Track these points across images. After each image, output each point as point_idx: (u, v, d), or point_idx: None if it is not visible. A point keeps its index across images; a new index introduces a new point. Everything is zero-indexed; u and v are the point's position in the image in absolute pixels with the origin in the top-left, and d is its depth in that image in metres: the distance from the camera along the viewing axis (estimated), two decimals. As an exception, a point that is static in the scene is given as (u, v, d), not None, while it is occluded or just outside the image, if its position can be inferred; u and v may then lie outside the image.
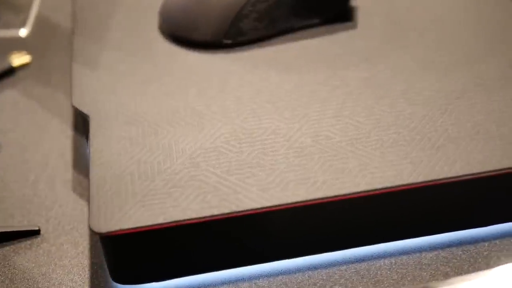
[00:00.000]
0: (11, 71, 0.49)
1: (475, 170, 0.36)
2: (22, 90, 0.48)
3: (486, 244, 0.38)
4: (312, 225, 0.36)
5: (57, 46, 0.51)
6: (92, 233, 0.35)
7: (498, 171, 0.36)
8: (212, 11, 0.43)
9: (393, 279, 0.36)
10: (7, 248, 0.39)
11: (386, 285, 0.36)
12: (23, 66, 0.50)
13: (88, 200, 0.37)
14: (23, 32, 0.52)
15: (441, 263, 0.37)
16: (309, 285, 0.36)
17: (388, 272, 0.37)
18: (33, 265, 0.38)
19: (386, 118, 0.39)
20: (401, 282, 0.36)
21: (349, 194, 0.35)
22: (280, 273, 0.37)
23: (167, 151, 0.38)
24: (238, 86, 0.41)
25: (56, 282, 0.37)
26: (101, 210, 0.35)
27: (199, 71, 0.42)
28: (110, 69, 0.43)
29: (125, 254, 0.35)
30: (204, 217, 0.35)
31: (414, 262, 0.37)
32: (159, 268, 0.36)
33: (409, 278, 0.36)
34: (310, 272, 0.37)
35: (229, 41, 0.44)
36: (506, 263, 0.37)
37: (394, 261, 0.37)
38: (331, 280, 0.36)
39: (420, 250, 0.38)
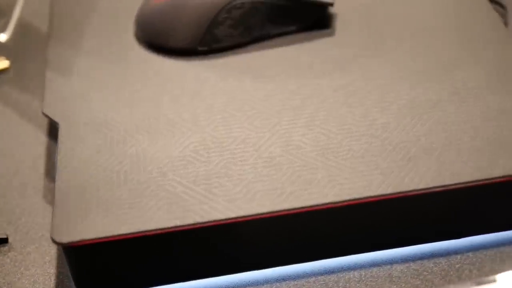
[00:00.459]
0: (-11, 76, 0.49)
1: (445, 182, 0.35)
2: (-2, 95, 0.48)
3: (459, 256, 0.37)
4: (279, 236, 0.35)
5: (36, 51, 0.51)
6: (54, 243, 0.34)
7: (469, 183, 0.35)
8: (187, 18, 0.43)
9: (361, 292, 0.36)
10: (-26, 256, 0.39)
11: (354, 298, 0.36)
12: (1, 71, 0.49)
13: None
14: (2, 37, 0.52)
15: (412, 275, 0.36)
16: (276, 298, 0.36)
17: (358, 284, 0.36)
18: (-1, 274, 0.38)
19: (358, 127, 0.38)
20: (369, 295, 0.36)
21: (315, 206, 0.35)
22: (248, 284, 0.36)
23: (135, 160, 0.37)
24: (210, 94, 0.41)
25: (21, 292, 0.37)
26: (64, 219, 0.35)
27: (173, 78, 0.42)
28: (83, 76, 0.43)
29: (88, 264, 0.35)
30: (167, 228, 0.34)
31: (384, 275, 0.37)
32: (122, 278, 0.35)
33: (377, 291, 0.36)
34: (278, 283, 0.36)
35: (204, 48, 0.43)
36: (478, 276, 0.36)
37: (364, 273, 0.37)
38: (298, 292, 0.36)
39: (391, 262, 0.37)
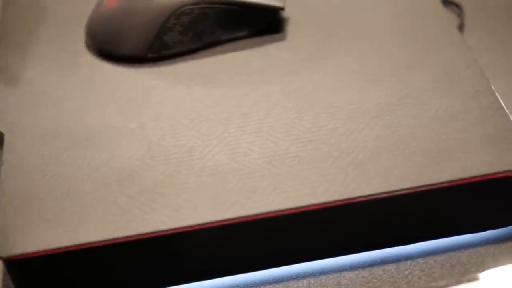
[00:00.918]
0: None
1: (391, 188, 0.35)
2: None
3: (408, 263, 0.37)
4: (223, 245, 0.35)
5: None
6: (-5, 256, 0.34)
7: (415, 189, 0.35)
8: (136, 25, 0.42)
9: (308, 300, 0.36)
10: None
11: (300, 307, 0.35)
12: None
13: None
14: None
15: (361, 283, 0.36)
16: (222, 308, 0.35)
17: (306, 292, 0.36)
18: None
19: (306, 133, 0.38)
20: (316, 304, 0.35)
21: (259, 214, 0.34)
22: (194, 294, 0.36)
23: (80, 170, 0.37)
24: (159, 101, 0.40)
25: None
26: (5, 232, 0.34)
27: (122, 86, 0.41)
28: (31, 85, 0.42)
29: (31, 278, 0.34)
30: (109, 240, 0.34)
31: (333, 282, 0.36)
32: (66, 291, 0.35)
33: (325, 299, 0.36)
34: (225, 293, 0.36)
35: (154, 55, 0.43)
36: (427, 282, 0.36)
37: (312, 282, 0.36)
38: (245, 302, 0.36)
39: (340, 270, 0.37)
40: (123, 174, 0.36)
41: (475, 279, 0.36)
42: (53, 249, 0.34)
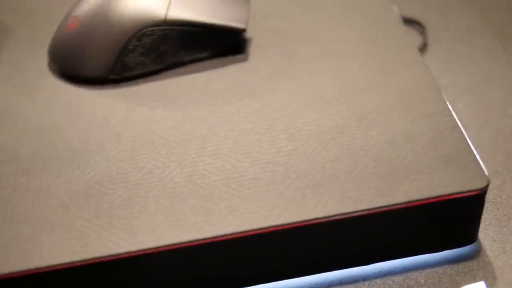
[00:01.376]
0: None
1: (347, 210, 0.35)
2: None
3: (366, 283, 0.37)
4: (182, 268, 0.35)
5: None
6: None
7: (370, 210, 0.35)
8: (97, 47, 0.42)
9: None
10: None
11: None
12: None
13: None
14: None
15: (319, 303, 0.36)
16: (179, 330, 0.35)
17: (263, 314, 0.36)
18: None
19: (265, 155, 0.38)
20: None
21: (216, 237, 0.34)
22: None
23: (38, 193, 0.37)
24: (119, 123, 0.40)
25: None
26: (-39, 257, 0.34)
27: (82, 108, 0.42)
28: (-7, 106, 0.42)
29: (-13, 303, 0.34)
30: (64, 264, 0.34)
31: (291, 303, 0.36)
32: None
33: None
34: (183, 315, 0.36)
35: (115, 77, 0.43)
36: (385, 302, 0.36)
37: (271, 303, 0.37)
38: (202, 324, 0.36)
39: (299, 290, 0.37)
40: (81, 197, 0.36)
41: (431, 299, 0.36)
42: (6, 274, 0.33)
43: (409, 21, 0.52)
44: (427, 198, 0.35)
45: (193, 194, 0.36)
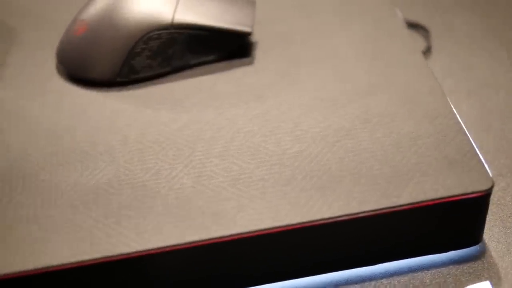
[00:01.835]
0: None
1: (352, 211, 0.35)
2: None
3: (373, 283, 0.37)
4: (189, 268, 0.36)
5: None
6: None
7: (375, 212, 0.35)
8: (105, 51, 0.43)
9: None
10: None
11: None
12: None
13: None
14: None
15: (325, 303, 0.37)
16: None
17: (270, 314, 0.36)
18: None
19: (271, 157, 0.38)
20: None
21: (223, 237, 0.35)
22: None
23: (47, 194, 0.37)
24: (126, 125, 0.41)
25: None
26: (-29, 256, 0.34)
27: (90, 109, 0.42)
28: (1, 108, 0.42)
29: (-3, 302, 0.35)
30: (74, 263, 0.34)
31: (297, 303, 0.37)
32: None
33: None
34: (190, 315, 0.36)
35: (122, 79, 0.43)
36: (390, 303, 0.37)
37: (277, 303, 0.37)
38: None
39: (305, 290, 0.37)
40: (90, 198, 0.37)
41: (436, 299, 0.37)
42: (17, 273, 0.34)
43: (412, 25, 0.52)
44: (432, 200, 0.36)
45: (200, 195, 0.37)
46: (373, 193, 0.36)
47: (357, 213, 0.35)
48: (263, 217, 0.35)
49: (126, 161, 0.39)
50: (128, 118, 0.41)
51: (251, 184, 0.37)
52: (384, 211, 0.35)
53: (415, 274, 0.38)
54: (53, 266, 0.34)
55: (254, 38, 0.46)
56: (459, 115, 0.45)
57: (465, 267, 0.38)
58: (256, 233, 0.35)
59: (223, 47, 0.45)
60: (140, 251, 0.34)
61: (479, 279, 0.37)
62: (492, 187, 0.36)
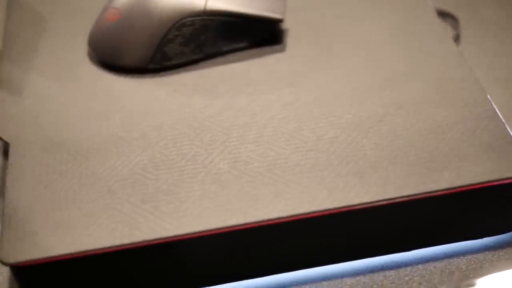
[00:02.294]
0: None
1: (390, 196, 0.35)
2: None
3: (408, 269, 0.38)
4: (226, 252, 0.36)
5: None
6: (2, 263, 0.34)
7: (413, 196, 0.35)
8: (137, 37, 0.43)
9: (309, 306, 0.36)
10: None
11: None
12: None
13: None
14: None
15: (362, 288, 0.37)
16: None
17: (307, 298, 0.36)
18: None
19: (306, 143, 0.38)
20: (317, 309, 0.36)
21: (261, 222, 0.35)
22: (197, 301, 0.37)
23: (84, 179, 0.37)
24: (160, 111, 0.41)
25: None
26: (11, 239, 0.35)
27: (124, 96, 0.42)
28: (35, 95, 0.43)
29: (37, 284, 0.35)
30: (114, 247, 0.34)
31: (336, 287, 0.37)
32: (71, 298, 0.35)
33: (325, 305, 0.36)
34: (227, 300, 0.37)
35: (155, 66, 0.43)
36: (426, 288, 0.37)
37: (314, 287, 0.37)
38: (247, 308, 0.36)
39: (341, 276, 0.37)
40: (127, 183, 0.37)
41: (474, 285, 0.37)
42: (59, 256, 0.34)
43: (441, 14, 0.52)
44: (469, 185, 0.36)
45: (237, 180, 0.37)
46: (410, 179, 0.36)
47: (395, 198, 0.35)
48: (300, 202, 0.35)
49: (162, 147, 0.39)
50: (162, 105, 0.41)
51: (287, 169, 0.37)
52: (421, 196, 0.35)
53: (451, 260, 0.38)
54: (93, 250, 0.34)
55: (286, 25, 0.46)
56: (490, 103, 0.45)
57: (501, 253, 0.38)
58: (294, 218, 0.35)
59: (255, 34, 0.45)
60: (179, 235, 0.34)
61: (516, 264, 0.37)
62: (529, 172, 0.36)
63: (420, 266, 0.38)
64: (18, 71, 0.45)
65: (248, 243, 0.36)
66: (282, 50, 0.45)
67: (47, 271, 0.35)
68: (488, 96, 0.40)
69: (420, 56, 0.43)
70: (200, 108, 0.41)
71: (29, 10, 0.49)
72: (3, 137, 0.40)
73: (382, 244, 0.37)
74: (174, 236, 0.34)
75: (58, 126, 0.41)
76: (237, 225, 0.35)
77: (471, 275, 0.37)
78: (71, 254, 0.34)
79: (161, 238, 0.34)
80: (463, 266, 0.37)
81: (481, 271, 0.37)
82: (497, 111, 0.39)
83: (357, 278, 0.37)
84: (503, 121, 0.39)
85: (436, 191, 0.35)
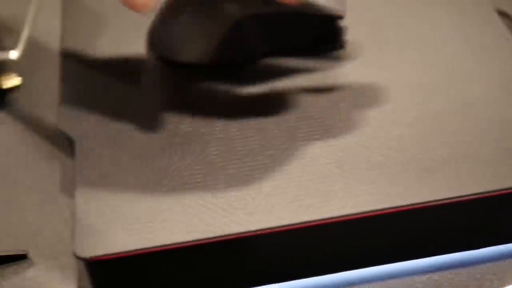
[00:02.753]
0: (1, 93, 0.49)
1: (463, 193, 0.35)
2: (11, 112, 0.48)
3: (479, 267, 0.37)
4: (298, 248, 0.36)
5: (47, 68, 0.51)
6: (77, 258, 0.34)
7: (488, 193, 0.35)
8: (198, 34, 0.43)
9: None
10: (-6, 272, 0.39)
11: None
12: (13, 88, 0.50)
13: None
14: (14, 55, 0.52)
15: (433, 286, 0.37)
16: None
17: (378, 295, 0.36)
18: (20, 290, 0.38)
19: (374, 139, 0.38)
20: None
21: (334, 218, 0.35)
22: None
23: (154, 174, 0.37)
24: (224, 105, 0.41)
25: (41, 308, 0.37)
26: (86, 235, 0.35)
27: (184, 91, 0.42)
28: (97, 91, 0.43)
29: (110, 279, 0.35)
30: (187, 242, 0.34)
31: (405, 286, 0.37)
32: (144, 292, 0.35)
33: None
34: (297, 296, 0.37)
35: (220, 60, 0.43)
36: (499, 286, 0.36)
37: (384, 285, 0.37)
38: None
39: (412, 273, 0.37)
40: (198, 177, 0.37)
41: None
42: (133, 251, 0.34)
43: (498, 13, 0.52)
44: None
45: (307, 176, 0.37)
46: (483, 176, 0.36)
47: (469, 195, 0.35)
48: (371, 199, 0.35)
49: (229, 141, 0.39)
50: (226, 98, 0.41)
51: (357, 166, 0.37)
52: (496, 193, 0.35)
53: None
54: (167, 245, 0.34)
55: (344, 22, 0.46)
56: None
57: None
58: (366, 214, 0.35)
59: (316, 30, 0.45)
60: (253, 231, 0.34)
61: None
62: None
63: (491, 264, 0.37)
64: (79, 67, 0.45)
65: (319, 239, 0.36)
66: (342, 47, 0.44)
67: (120, 265, 0.35)
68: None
69: (481, 53, 0.43)
70: (265, 104, 0.41)
71: (84, 7, 0.50)
72: (67, 132, 0.40)
73: (453, 241, 0.37)
74: (248, 232, 0.34)
75: (123, 122, 0.41)
76: (310, 221, 0.35)
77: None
78: (145, 249, 0.34)
79: (234, 234, 0.34)
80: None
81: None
82: None
83: (428, 276, 0.37)
84: None
85: (510, 187, 0.35)
